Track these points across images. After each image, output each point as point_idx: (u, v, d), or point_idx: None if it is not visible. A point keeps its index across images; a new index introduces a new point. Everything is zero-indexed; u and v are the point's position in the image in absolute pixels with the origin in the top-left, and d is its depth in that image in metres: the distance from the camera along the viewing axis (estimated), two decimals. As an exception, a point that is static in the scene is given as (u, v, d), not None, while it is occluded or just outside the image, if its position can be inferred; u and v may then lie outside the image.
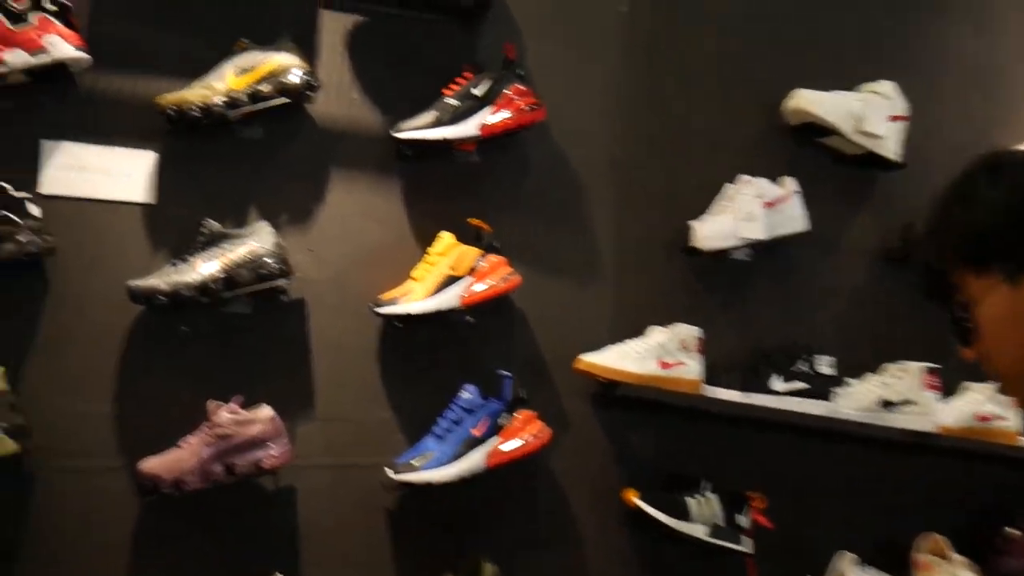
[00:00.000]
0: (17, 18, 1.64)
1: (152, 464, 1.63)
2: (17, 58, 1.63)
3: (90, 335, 1.71)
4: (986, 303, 0.91)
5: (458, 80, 1.91)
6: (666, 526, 1.88)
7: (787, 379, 1.97)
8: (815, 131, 2.18)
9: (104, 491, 1.68)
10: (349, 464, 1.82)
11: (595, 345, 1.91)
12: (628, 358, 1.87)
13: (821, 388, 1.97)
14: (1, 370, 1.60)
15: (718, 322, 2.05)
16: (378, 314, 1.79)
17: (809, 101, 2.14)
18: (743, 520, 1.92)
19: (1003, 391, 0.96)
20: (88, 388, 1.70)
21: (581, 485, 1.96)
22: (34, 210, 1.64)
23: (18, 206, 1.62)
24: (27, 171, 1.70)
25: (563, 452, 1.95)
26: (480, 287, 1.83)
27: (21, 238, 1.61)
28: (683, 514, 1.90)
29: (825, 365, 2.01)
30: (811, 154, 2.20)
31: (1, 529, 1.63)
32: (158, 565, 1.71)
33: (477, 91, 1.90)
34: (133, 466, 1.64)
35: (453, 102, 1.88)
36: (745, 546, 1.93)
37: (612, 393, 1.94)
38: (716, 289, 2.10)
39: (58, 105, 1.74)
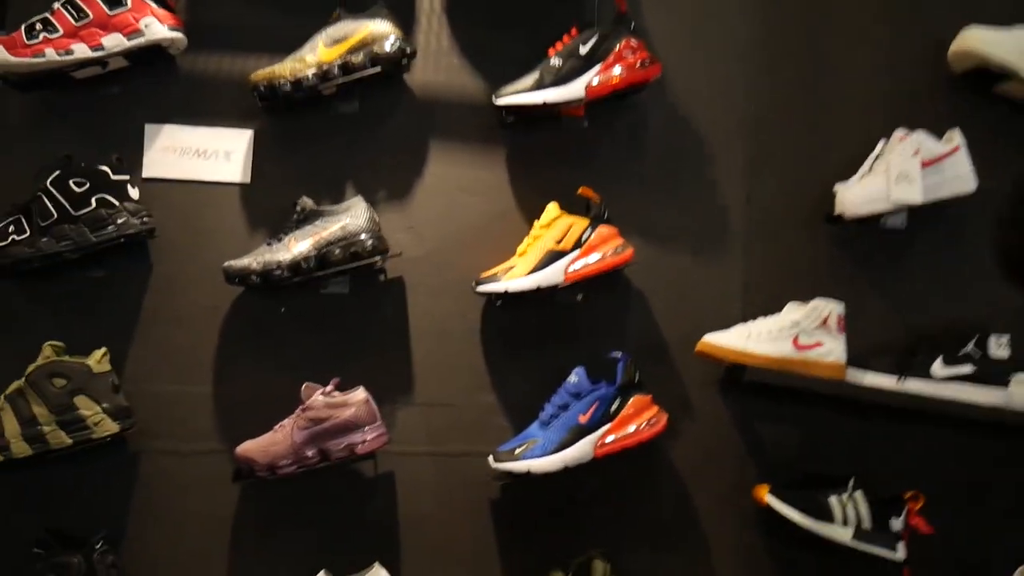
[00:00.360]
0: (114, 3, 1.65)
1: (247, 447, 1.59)
2: (114, 42, 1.64)
3: (191, 317, 1.71)
4: None
5: (564, 38, 1.76)
6: (803, 528, 1.66)
7: (951, 363, 1.68)
8: (988, 77, 1.86)
9: (205, 474, 1.67)
10: (450, 452, 1.73)
11: (723, 325, 1.71)
12: (757, 338, 1.66)
13: (993, 374, 1.67)
14: (103, 351, 1.62)
15: (866, 298, 1.78)
16: (477, 292, 1.68)
17: (982, 41, 1.82)
18: (896, 524, 1.65)
19: None
20: (189, 370, 1.70)
21: (704, 480, 1.76)
22: (133, 192, 1.65)
23: (118, 189, 1.63)
24: (133, 154, 1.72)
25: (684, 443, 1.76)
26: (587, 261, 1.68)
27: (120, 220, 1.62)
28: (824, 514, 1.66)
29: (999, 347, 1.70)
30: (982, 103, 1.88)
31: (106, 508, 1.65)
32: (257, 550, 1.68)
33: (583, 49, 1.74)
34: (232, 450, 1.62)
35: (556, 62, 1.73)
36: (899, 553, 1.66)
37: (739, 378, 1.73)
38: (864, 262, 1.82)
39: (160, 88, 1.75)
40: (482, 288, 1.67)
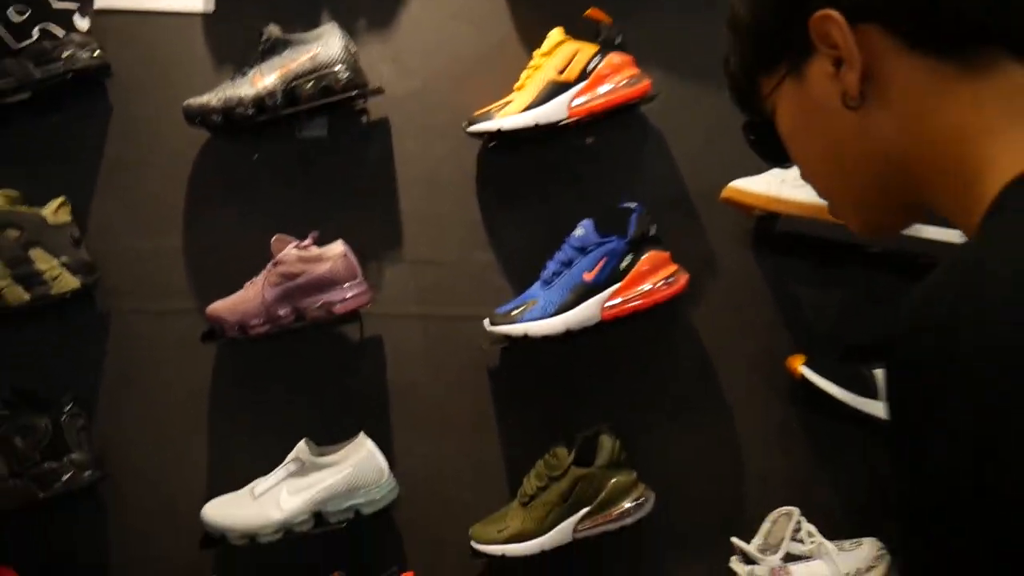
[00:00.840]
0: None
1: (216, 306, 1.45)
2: None
3: (156, 164, 1.54)
4: (779, 112, 0.74)
5: None
6: (842, 404, 1.45)
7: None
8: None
9: (178, 335, 1.54)
10: (443, 314, 1.56)
11: (756, 171, 1.47)
12: (793, 183, 1.41)
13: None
14: (60, 200, 1.48)
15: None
16: (468, 133, 1.47)
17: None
18: (951, 400, 1.43)
19: (833, 214, 0.77)
20: (157, 223, 1.55)
21: (730, 349, 1.55)
22: (82, 23, 1.47)
23: (63, 19, 1.45)
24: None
25: (708, 306, 1.55)
26: (595, 94, 1.44)
27: (67, 53, 1.44)
28: (867, 390, 1.45)
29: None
30: None
31: (75, 370, 1.55)
32: (234, 415, 1.56)
33: None
34: (204, 309, 1.48)
35: None
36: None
37: (770, 230, 1.50)
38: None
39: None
40: (473, 128, 1.46)
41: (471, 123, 1.46)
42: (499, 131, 1.43)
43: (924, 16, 0.62)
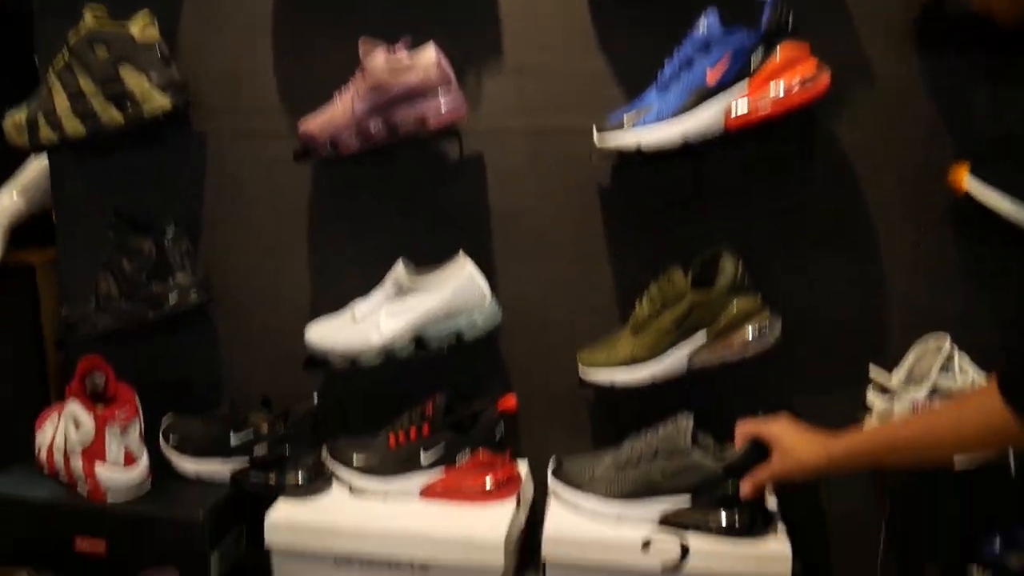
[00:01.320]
0: None
1: (308, 124, 1.37)
2: None
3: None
4: None
5: None
6: (1015, 223, 1.24)
7: None
8: None
9: (275, 156, 1.48)
10: (550, 127, 1.41)
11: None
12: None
13: None
14: (145, 15, 1.41)
15: None
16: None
17: None
18: None
19: None
20: (247, 42, 1.47)
21: (880, 162, 1.34)
22: None
23: None
24: None
25: (856, 108, 1.33)
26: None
27: None
28: (1045, 204, 1.23)
29: None
30: None
31: (175, 192, 1.53)
32: (334, 236, 1.51)
33: None
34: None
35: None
36: None
37: (938, 15, 1.24)
38: None
39: None
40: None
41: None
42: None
43: None
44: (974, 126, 1.31)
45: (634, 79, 1.37)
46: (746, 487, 1.23)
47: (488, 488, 1.36)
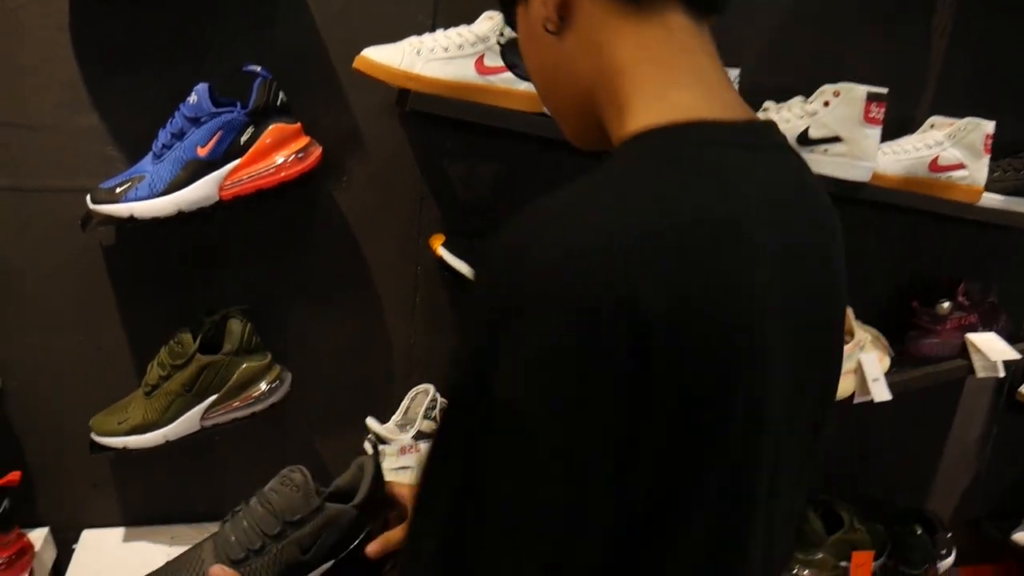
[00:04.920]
0: None
1: None
2: None
3: None
4: (517, 32, 0.82)
5: None
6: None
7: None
8: None
9: None
10: (39, 187, 1.35)
11: (404, 35, 1.34)
12: (427, 54, 1.31)
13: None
14: None
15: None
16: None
17: None
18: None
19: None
20: None
21: (373, 227, 1.48)
22: None
23: None
24: None
25: (354, 183, 1.46)
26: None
27: None
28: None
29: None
30: None
31: None
32: None
33: None
34: None
35: None
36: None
37: (404, 105, 1.39)
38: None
39: None
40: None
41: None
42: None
43: None
44: (455, 196, 1.50)
45: (130, 141, 1.36)
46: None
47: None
